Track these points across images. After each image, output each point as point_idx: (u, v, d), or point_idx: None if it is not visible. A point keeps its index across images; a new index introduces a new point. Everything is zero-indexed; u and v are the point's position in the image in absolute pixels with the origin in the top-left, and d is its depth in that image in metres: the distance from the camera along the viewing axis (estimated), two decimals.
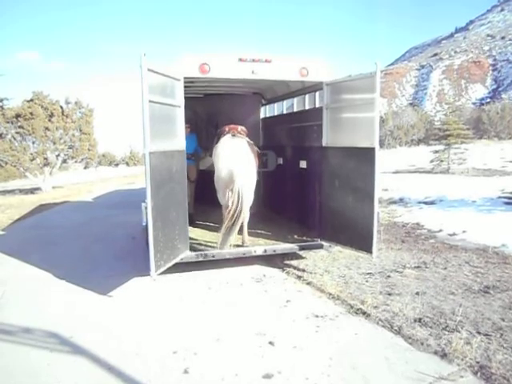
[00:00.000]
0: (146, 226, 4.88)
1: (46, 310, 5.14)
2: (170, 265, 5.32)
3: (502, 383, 3.37)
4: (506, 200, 11.81)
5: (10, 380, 3.67)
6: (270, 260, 6.82)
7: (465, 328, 4.29)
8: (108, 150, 54.35)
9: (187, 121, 6.00)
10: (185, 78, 5.78)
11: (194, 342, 4.24)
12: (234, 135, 6.66)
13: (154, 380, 3.56)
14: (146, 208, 4.85)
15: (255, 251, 6.19)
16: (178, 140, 5.65)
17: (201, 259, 5.96)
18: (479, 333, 4.22)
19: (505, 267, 6.33)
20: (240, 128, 6.87)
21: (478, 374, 3.52)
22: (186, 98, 5.85)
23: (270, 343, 4.19)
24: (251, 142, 6.80)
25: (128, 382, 3.55)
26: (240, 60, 5.94)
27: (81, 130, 24.23)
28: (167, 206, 5.26)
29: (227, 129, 6.79)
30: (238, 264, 6.56)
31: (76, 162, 26.36)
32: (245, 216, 6.27)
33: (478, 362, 3.66)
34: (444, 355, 3.83)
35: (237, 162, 6.14)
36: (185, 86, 5.85)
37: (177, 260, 5.55)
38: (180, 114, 5.68)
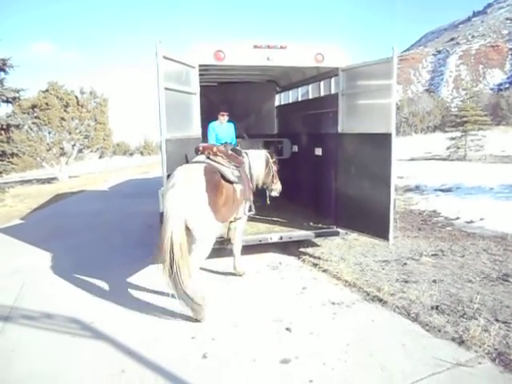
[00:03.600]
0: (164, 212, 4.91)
1: (66, 297, 5.24)
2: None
3: None
4: None
5: (32, 365, 3.77)
6: (285, 248, 6.84)
7: (483, 315, 4.26)
8: (123, 139, 54.86)
9: (202, 109, 5.99)
10: (200, 65, 5.78)
11: (212, 328, 4.29)
12: (206, 157, 5.10)
13: (174, 364, 3.62)
14: (162, 195, 4.87)
15: (271, 238, 6.22)
16: (193, 127, 5.67)
17: (217, 246, 5.99)
18: (497, 320, 4.19)
19: None
20: (216, 148, 5.19)
21: (497, 360, 3.51)
22: (200, 86, 5.84)
23: (287, 329, 4.22)
24: (230, 164, 5.17)
25: (148, 366, 3.62)
26: (255, 47, 5.91)
27: (96, 120, 24.45)
28: None
29: (201, 148, 5.26)
30: (253, 252, 6.59)
31: (91, 151, 26.65)
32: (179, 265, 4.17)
33: (496, 349, 3.64)
34: (462, 342, 3.82)
35: (176, 207, 4.26)
36: (200, 74, 5.85)
37: None
38: (196, 102, 5.70)
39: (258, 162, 6.14)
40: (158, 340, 4.08)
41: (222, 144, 5.76)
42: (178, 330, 4.29)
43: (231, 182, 4.95)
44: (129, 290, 5.41)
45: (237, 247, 5.77)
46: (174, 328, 4.33)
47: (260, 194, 6.61)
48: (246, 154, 6.02)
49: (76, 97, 23.64)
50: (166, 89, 4.81)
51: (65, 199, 14.55)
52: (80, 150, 25.38)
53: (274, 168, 6.32)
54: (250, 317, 4.53)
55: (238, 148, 5.87)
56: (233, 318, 4.48)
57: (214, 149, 5.15)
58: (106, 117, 25.25)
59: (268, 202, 6.63)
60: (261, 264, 6.29)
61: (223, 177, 4.81)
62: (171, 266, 4.10)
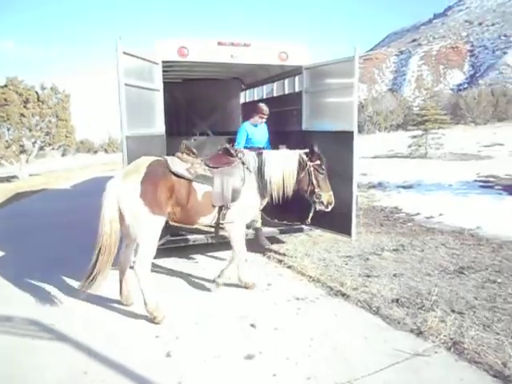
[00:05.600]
0: None
1: (26, 299, 5.07)
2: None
3: (473, 357, 3.50)
4: (482, 184, 12.13)
5: None
6: (250, 244, 6.82)
7: (440, 307, 4.42)
8: (86, 137, 53.53)
9: (166, 106, 5.91)
10: (163, 61, 5.72)
11: (177, 326, 4.27)
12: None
13: (138, 364, 3.58)
14: None
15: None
16: (157, 124, 5.61)
17: (182, 244, 5.97)
18: (453, 311, 4.36)
19: (479, 249, 6.51)
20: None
21: (452, 349, 3.65)
22: (165, 82, 5.79)
23: (252, 325, 4.25)
24: (201, 163, 4.82)
25: (111, 366, 3.56)
26: (219, 44, 5.91)
27: (57, 117, 23.71)
28: None
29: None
30: (219, 249, 6.58)
31: (53, 149, 25.85)
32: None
33: (451, 339, 3.78)
34: (420, 333, 3.95)
35: (109, 197, 4.32)
36: (164, 71, 5.79)
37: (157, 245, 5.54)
38: (159, 98, 5.64)
39: (280, 165, 4.99)
40: (120, 340, 4.03)
41: (252, 147, 5.60)
42: (142, 329, 4.25)
43: (189, 180, 4.61)
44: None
45: (236, 256, 5.11)
46: (137, 328, 4.28)
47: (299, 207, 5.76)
48: (260, 155, 5.04)
49: (36, 92, 22.84)
50: (127, 85, 4.75)
51: (25, 198, 14.07)
52: (41, 148, 24.53)
53: (317, 173, 5.02)
54: (215, 314, 4.53)
55: (237, 148, 5.22)
56: (197, 316, 4.47)
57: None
58: (69, 113, 24.50)
59: (308, 221, 5.44)
60: (226, 261, 6.28)
61: (174, 172, 4.53)
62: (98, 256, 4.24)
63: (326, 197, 5.04)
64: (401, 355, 3.60)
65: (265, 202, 5.21)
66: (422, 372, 3.37)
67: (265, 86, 8.81)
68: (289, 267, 5.93)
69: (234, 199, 4.80)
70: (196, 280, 5.57)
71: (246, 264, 5.27)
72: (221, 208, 4.80)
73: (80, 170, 26.17)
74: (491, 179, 12.70)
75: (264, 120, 6.20)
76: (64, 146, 25.80)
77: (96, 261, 4.26)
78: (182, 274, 5.81)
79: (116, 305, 4.78)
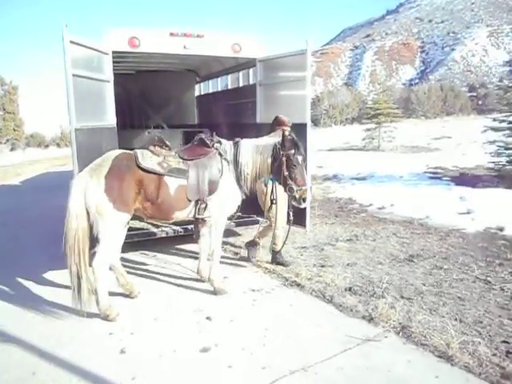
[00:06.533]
0: None
1: None
2: None
3: (420, 340, 3.67)
4: (431, 175, 12.63)
5: None
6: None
7: (390, 294, 4.58)
8: (37, 130, 51.39)
9: (118, 98, 5.77)
10: (114, 52, 5.57)
11: (131, 322, 4.20)
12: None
13: (90, 362, 3.50)
14: None
15: (192, 228, 6.17)
16: (107, 116, 5.46)
17: (137, 239, 5.87)
18: (402, 297, 4.53)
19: (428, 237, 6.79)
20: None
21: (400, 333, 3.80)
22: (117, 74, 5.65)
23: (208, 318, 4.24)
24: (175, 156, 4.59)
25: (62, 366, 3.47)
26: (171, 34, 5.81)
27: (4, 109, 22.68)
28: None
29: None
30: (176, 243, 6.52)
31: (0, 143, 24.71)
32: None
33: (400, 324, 3.94)
34: (371, 319, 4.08)
35: (75, 192, 4.15)
36: (115, 62, 5.65)
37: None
38: (109, 90, 5.48)
39: (254, 155, 4.65)
40: (72, 338, 3.92)
41: None
42: (95, 327, 4.15)
43: (160, 175, 4.37)
44: (42, 289, 5.11)
45: (212, 253, 4.85)
46: (90, 325, 4.18)
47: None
48: (236, 144, 4.74)
49: None
50: (75, 76, 4.58)
51: None
52: None
53: (291, 164, 4.50)
54: (171, 309, 4.49)
55: (213, 138, 4.77)
56: (153, 312, 4.42)
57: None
58: (17, 106, 23.53)
59: (290, 218, 5.01)
60: (183, 255, 6.25)
61: (142, 167, 4.31)
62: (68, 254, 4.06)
63: (304, 192, 4.58)
64: (353, 341, 3.71)
65: (244, 195, 4.86)
66: (372, 356, 3.49)
67: (219, 79, 8.77)
68: (245, 259, 5.95)
69: (211, 192, 4.58)
70: (152, 274, 5.49)
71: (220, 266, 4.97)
72: (197, 202, 4.57)
73: (30, 165, 25.10)
74: (439, 171, 13.24)
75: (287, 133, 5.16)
76: (12, 139, 24.70)
77: (72, 265, 4.06)
78: (138, 269, 5.71)
79: (67, 303, 4.63)
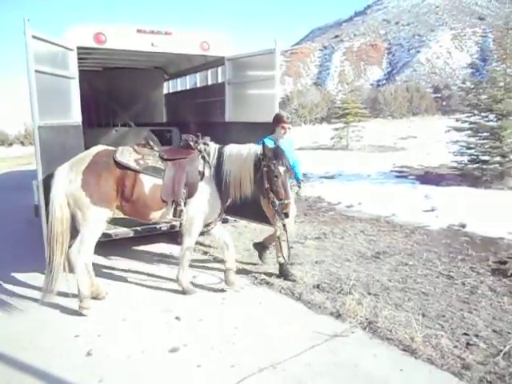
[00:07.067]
0: (38, 205, 4.63)
1: None
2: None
3: (385, 334, 3.76)
4: (397, 174, 12.93)
5: None
6: (175, 237, 6.75)
7: (357, 290, 4.66)
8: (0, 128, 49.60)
9: (84, 95, 5.64)
10: (79, 47, 5.44)
11: (98, 324, 4.13)
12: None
13: (55, 366, 3.42)
14: (37, 186, 4.59)
15: (160, 228, 6.11)
16: (72, 114, 5.34)
17: (102, 239, 5.74)
18: (369, 293, 4.63)
19: (394, 234, 6.95)
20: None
21: (367, 329, 3.89)
22: (83, 70, 5.52)
23: (177, 318, 4.22)
24: (155, 155, 4.55)
25: (24, 370, 3.37)
26: (138, 31, 5.73)
27: None
28: None
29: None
30: (143, 243, 6.44)
31: None
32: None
33: (367, 319, 4.02)
34: (338, 315, 4.15)
35: (56, 186, 4.25)
36: (82, 58, 5.54)
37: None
38: (75, 86, 5.36)
39: (238, 164, 4.45)
40: (35, 342, 3.82)
41: None
42: (60, 329, 4.06)
43: (136, 172, 4.34)
44: (4, 290, 4.95)
45: (181, 254, 4.76)
46: (55, 328, 4.09)
47: None
48: (221, 149, 4.59)
49: None
50: (38, 72, 4.45)
51: None
52: None
53: (272, 175, 4.24)
54: (139, 310, 4.43)
55: (199, 139, 4.64)
56: (121, 313, 4.36)
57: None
58: None
59: (277, 231, 4.87)
60: (150, 254, 6.18)
61: (118, 162, 4.31)
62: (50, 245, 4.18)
63: (280, 205, 4.27)
64: (321, 337, 3.77)
65: (227, 203, 4.73)
66: (339, 352, 3.55)
67: (188, 77, 8.70)
68: (214, 258, 5.95)
69: (190, 195, 4.47)
70: (120, 275, 5.40)
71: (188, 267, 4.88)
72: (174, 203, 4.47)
73: None
74: (405, 169, 13.57)
75: (288, 130, 5.13)
76: None
77: (50, 252, 4.21)
78: (109, 269, 5.61)
79: (32, 307, 4.50)
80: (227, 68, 6.41)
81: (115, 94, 9.51)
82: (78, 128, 5.42)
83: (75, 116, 5.39)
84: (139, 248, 6.44)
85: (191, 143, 4.58)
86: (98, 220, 4.31)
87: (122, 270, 5.57)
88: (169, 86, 10.02)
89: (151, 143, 4.65)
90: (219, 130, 6.82)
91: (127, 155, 4.40)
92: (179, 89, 9.39)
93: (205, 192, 4.52)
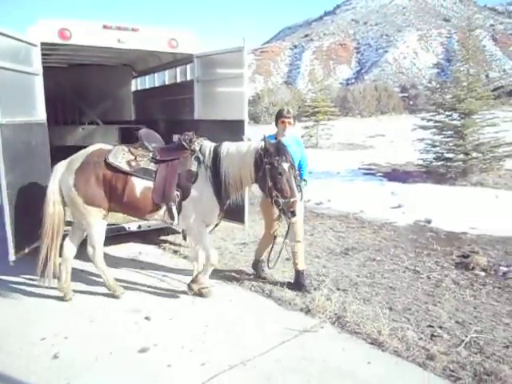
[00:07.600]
0: (1, 205, 4.50)
1: None
2: (33, 246, 4.91)
3: (354, 328, 3.83)
4: (365, 171, 13.16)
5: None
6: (145, 237, 6.68)
7: (327, 286, 4.72)
8: None
9: (50, 93, 5.50)
10: (43, 43, 5.29)
11: (65, 326, 4.05)
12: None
13: (20, 370, 3.34)
14: None
15: (129, 228, 6.03)
16: (37, 111, 5.20)
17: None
18: (338, 289, 4.71)
19: (362, 231, 7.08)
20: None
21: (336, 323, 3.96)
22: (48, 67, 5.38)
23: (146, 318, 4.18)
24: (147, 156, 4.43)
25: None
26: (104, 27, 5.62)
27: None
28: (27, 183, 4.84)
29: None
30: (111, 243, 6.32)
31: None
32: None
33: (336, 314, 4.09)
34: (308, 311, 4.21)
35: (52, 182, 4.38)
36: (45, 54, 5.39)
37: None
38: (39, 83, 5.21)
39: (233, 163, 4.19)
40: (0, 345, 3.71)
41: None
42: (24, 332, 3.95)
43: (127, 174, 4.24)
44: None
45: (206, 258, 4.51)
46: (20, 331, 3.98)
47: None
48: (216, 148, 4.33)
49: None
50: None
51: None
52: None
53: (275, 173, 3.95)
54: (108, 310, 4.37)
55: (193, 138, 4.41)
56: (89, 314, 4.28)
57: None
58: None
59: (286, 243, 4.73)
60: (119, 255, 6.07)
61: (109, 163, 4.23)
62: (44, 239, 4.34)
63: (286, 203, 3.97)
64: (291, 333, 3.81)
65: (226, 204, 4.48)
66: (309, 347, 3.60)
67: (157, 74, 8.61)
68: (184, 257, 5.91)
69: (184, 197, 4.30)
70: (87, 276, 5.29)
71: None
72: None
73: None
74: (373, 167, 13.82)
75: (290, 125, 4.90)
76: None
77: (43, 246, 4.35)
78: (76, 270, 5.46)
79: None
80: (196, 66, 6.37)
81: (82, 91, 9.32)
82: (43, 126, 5.28)
83: (40, 113, 5.25)
84: (107, 248, 6.30)
85: (184, 143, 4.37)
86: (95, 218, 4.38)
87: (90, 271, 5.45)
88: (137, 84, 9.89)
89: (145, 143, 4.50)
90: (188, 127, 6.74)
91: (120, 156, 4.30)
92: (148, 86, 9.28)
93: (200, 194, 4.30)
